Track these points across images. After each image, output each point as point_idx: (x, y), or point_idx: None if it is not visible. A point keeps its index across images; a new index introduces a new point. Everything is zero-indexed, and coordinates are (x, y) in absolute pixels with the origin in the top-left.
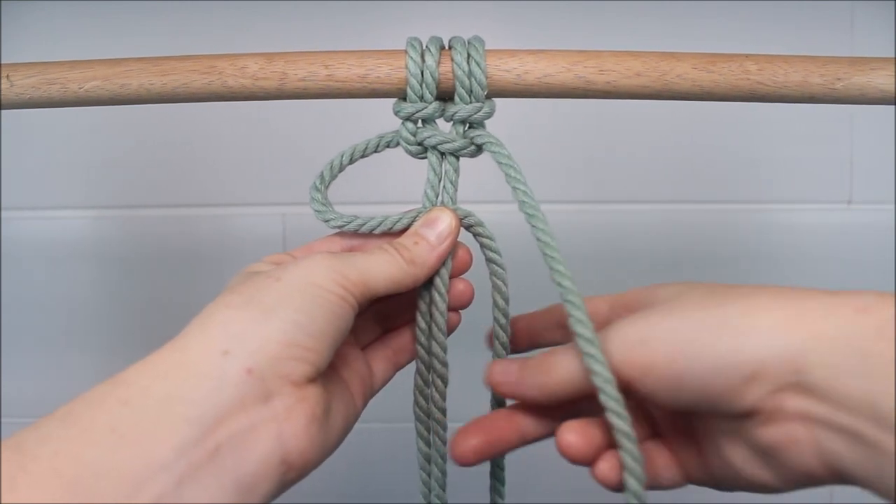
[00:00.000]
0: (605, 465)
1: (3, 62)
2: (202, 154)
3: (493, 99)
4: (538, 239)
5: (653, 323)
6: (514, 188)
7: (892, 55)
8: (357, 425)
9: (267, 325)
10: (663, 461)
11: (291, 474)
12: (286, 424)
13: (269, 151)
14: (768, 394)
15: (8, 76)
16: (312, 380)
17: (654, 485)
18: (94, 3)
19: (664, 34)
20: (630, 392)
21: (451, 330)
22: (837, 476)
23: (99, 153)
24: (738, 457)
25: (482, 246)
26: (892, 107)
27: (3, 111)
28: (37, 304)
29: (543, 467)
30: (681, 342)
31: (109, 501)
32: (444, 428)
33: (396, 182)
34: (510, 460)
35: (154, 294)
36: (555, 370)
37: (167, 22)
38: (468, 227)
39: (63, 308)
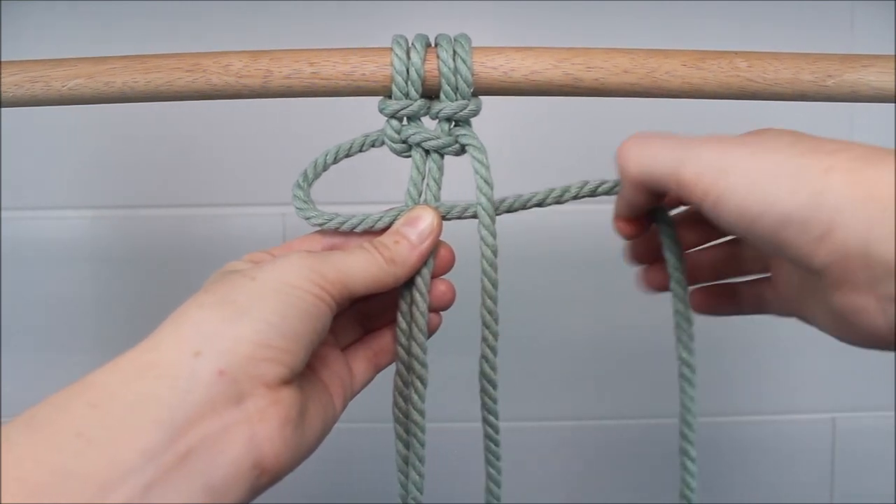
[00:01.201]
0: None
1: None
2: (202, 154)
3: (480, 97)
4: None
5: (737, 156)
6: (480, 197)
7: (893, 55)
8: (339, 425)
9: (240, 325)
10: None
11: (264, 478)
12: (259, 427)
13: (268, 151)
14: (838, 259)
15: None
16: (287, 381)
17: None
18: (94, 3)
19: (660, 35)
20: (699, 212)
21: (432, 331)
22: None
23: (98, 153)
24: (814, 309)
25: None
26: (892, 106)
27: (2, 111)
28: (36, 304)
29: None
30: (760, 184)
31: None
32: (423, 430)
33: (384, 181)
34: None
35: (153, 294)
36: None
37: (167, 22)
38: (459, 217)
39: (63, 308)
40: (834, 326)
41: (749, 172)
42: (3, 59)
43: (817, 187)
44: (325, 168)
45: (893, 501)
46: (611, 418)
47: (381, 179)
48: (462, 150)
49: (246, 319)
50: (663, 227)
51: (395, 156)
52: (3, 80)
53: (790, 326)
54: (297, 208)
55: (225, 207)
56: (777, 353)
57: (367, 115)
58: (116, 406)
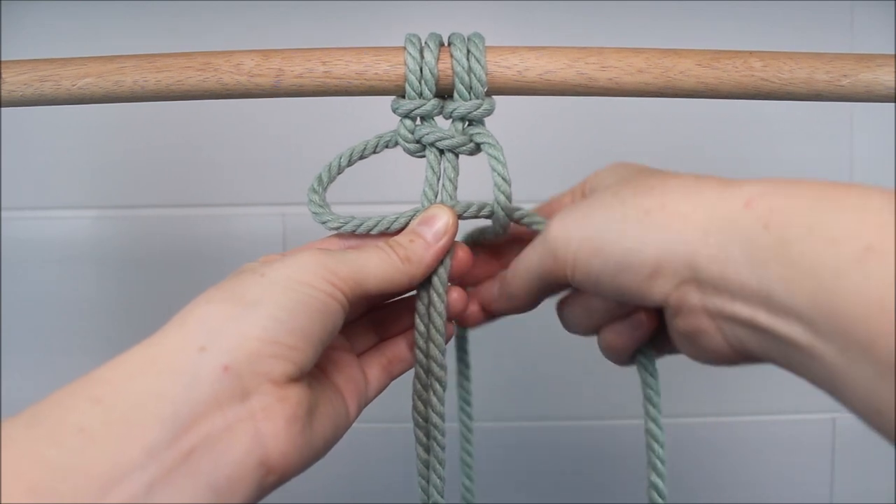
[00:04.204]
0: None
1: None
2: (202, 154)
3: (493, 97)
4: None
5: (572, 223)
6: (497, 194)
7: (893, 55)
8: (355, 425)
9: (246, 321)
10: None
11: (271, 477)
12: (264, 424)
13: (269, 151)
14: (671, 289)
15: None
16: (295, 379)
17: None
18: (94, 3)
19: (661, 35)
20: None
21: (446, 340)
22: (748, 358)
23: (99, 153)
24: (674, 336)
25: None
26: (892, 106)
27: (2, 110)
28: (37, 304)
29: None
30: (594, 242)
31: None
32: (443, 433)
33: (397, 182)
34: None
35: (154, 294)
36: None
37: (167, 23)
38: (475, 216)
39: (63, 308)
40: (685, 348)
41: (584, 233)
42: (4, 59)
43: (641, 229)
44: (340, 171)
45: (893, 501)
46: (608, 418)
47: (380, 178)
48: (477, 149)
49: (253, 315)
50: (641, 368)
51: (386, 155)
52: (12, 79)
53: None
54: (314, 213)
55: (225, 207)
56: None
57: (364, 114)
58: (120, 401)
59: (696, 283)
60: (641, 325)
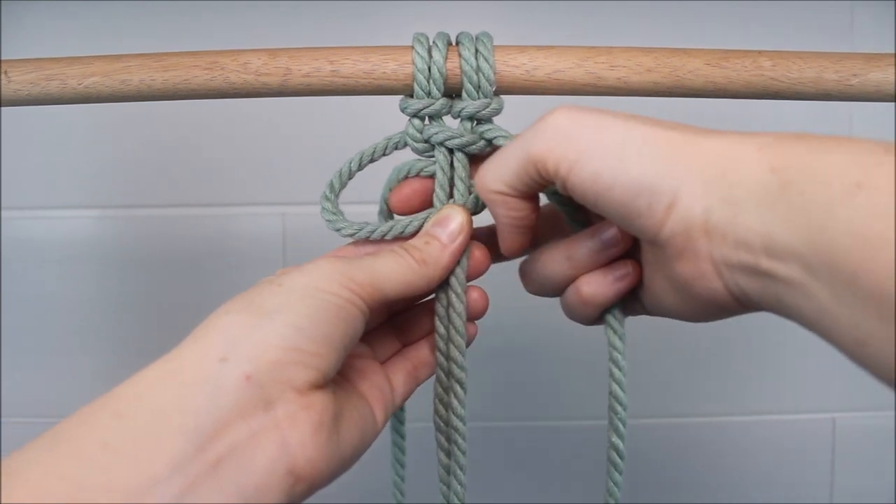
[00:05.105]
0: None
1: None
2: (202, 154)
3: (501, 96)
4: None
5: (584, 119)
6: None
7: (893, 55)
8: None
9: (266, 330)
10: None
11: (300, 486)
12: (289, 432)
13: (269, 151)
14: (682, 229)
15: (6, 72)
16: (319, 386)
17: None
18: (95, 3)
19: (662, 35)
20: (559, 187)
21: (469, 341)
22: (746, 307)
23: (100, 153)
24: (657, 285)
25: None
26: (892, 106)
27: (3, 109)
28: (37, 304)
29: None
30: (613, 151)
31: None
32: (464, 437)
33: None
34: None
35: (154, 293)
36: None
37: (170, 22)
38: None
39: (63, 308)
40: (676, 300)
41: (600, 140)
42: (5, 59)
43: (663, 156)
44: (351, 176)
45: (893, 501)
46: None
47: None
48: (487, 146)
49: (272, 324)
50: (609, 329)
51: (397, 156)
52: (18, 78)
53: (790, 326)
54: (327, 220)
55: (225, 207)
56: (777, 353)
57: (367, 113)
58: (142, 415)
59: (705, 227)
60: (626, 277)
